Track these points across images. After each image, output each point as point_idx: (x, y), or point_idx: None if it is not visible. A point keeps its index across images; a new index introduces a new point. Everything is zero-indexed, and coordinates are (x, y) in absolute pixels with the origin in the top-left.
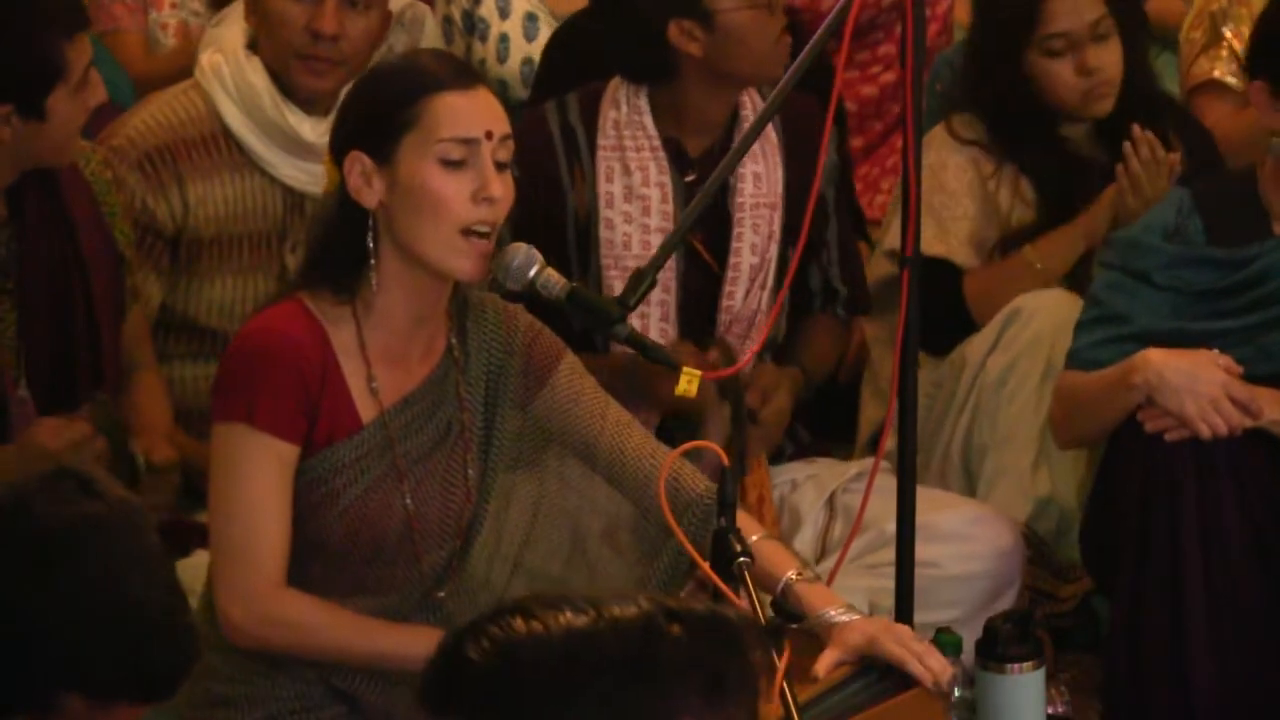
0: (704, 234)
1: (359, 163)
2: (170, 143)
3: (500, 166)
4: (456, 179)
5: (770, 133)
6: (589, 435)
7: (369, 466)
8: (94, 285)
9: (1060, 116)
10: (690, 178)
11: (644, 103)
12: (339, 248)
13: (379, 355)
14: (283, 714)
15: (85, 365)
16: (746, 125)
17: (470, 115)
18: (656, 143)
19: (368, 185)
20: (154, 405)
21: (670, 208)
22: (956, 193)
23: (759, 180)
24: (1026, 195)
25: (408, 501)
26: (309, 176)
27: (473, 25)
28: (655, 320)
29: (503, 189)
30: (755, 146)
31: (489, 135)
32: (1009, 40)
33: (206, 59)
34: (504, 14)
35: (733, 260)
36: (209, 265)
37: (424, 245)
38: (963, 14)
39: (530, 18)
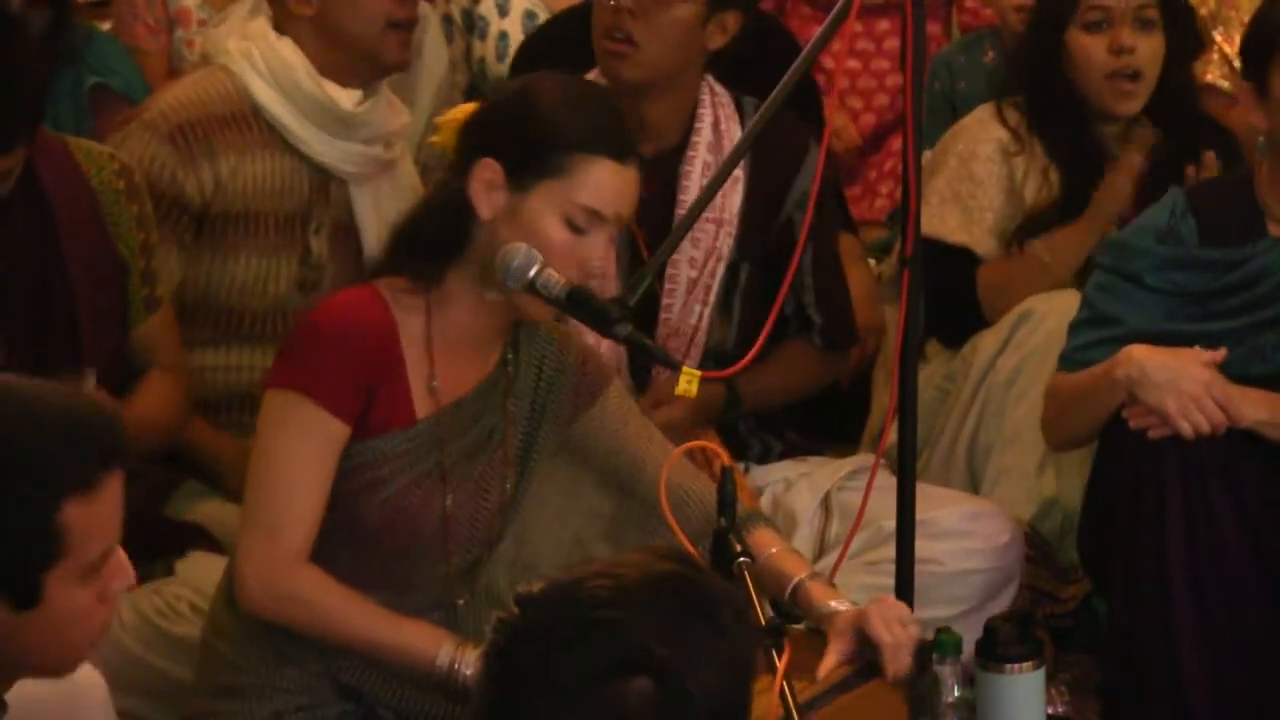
0: (651, 242)
1: (490, 171)
2: (202, 117)
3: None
4: (572, 241)
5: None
6: (636, 456)
7: (416, 461)
8: (76, 296)
9: (1090, 113)
10: None
11: None
12: (436, 235)
13: (442, 353)
14: (288, 710)
15: (65, 375)
16: (703, 129)
17: (613, 193)
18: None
19: (489, 195)
20: (144, 400)
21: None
22: (984, 183)
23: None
24: (1054, 186)
25: (448, 502)
26: (339, 154)
27: (472, 24)
28: None
29: (605, 262)
30: (710, 159)
31: (618, 217)
32: (1056, 12)
33: (234, 44)
34: (503, 12)
35: (669, 271)
36: (234, 241)
37: (518, 299)
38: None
39: (529, 15)
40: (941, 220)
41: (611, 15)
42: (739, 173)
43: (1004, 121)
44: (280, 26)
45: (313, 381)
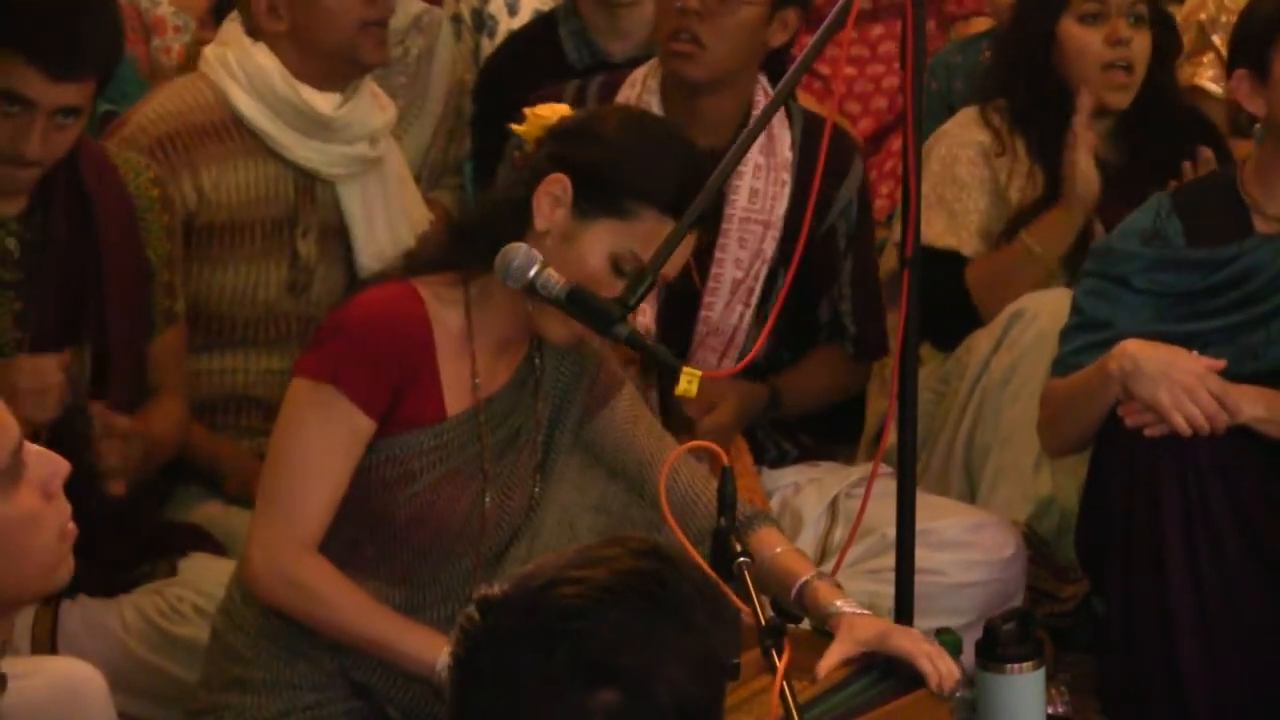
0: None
1: (560, 188)
2: (181, 129)
3: None
4: (610, 279)
5: (785, 150)
6: (645, 457)
7: (448, 456)
8: (108, 297)
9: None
10: None
11: (655, 84)
12: (489, 230)
13: (481, 349)
14: (298, 708)
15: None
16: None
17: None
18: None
19: (551, 209)
20: (155, 424)
21: None
22: (968, 186)
23: (755, 196)
24: (1039, 187)
25: (486, 500)
26: (323, 157)
27: (482, 23)
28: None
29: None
30: (762, 162)
31: (663, 275)
32: (1048, 2)
33: (210, 51)
34: (513, 11)
35: (714, 271)
36: (221, 251)
37: (540, 317)
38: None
39: (539, 15)
40: (928, 224)
41: (678, 17)
42: (787, 178)
43: (987, 124)
44: (254, 33)
45: (341, 374)
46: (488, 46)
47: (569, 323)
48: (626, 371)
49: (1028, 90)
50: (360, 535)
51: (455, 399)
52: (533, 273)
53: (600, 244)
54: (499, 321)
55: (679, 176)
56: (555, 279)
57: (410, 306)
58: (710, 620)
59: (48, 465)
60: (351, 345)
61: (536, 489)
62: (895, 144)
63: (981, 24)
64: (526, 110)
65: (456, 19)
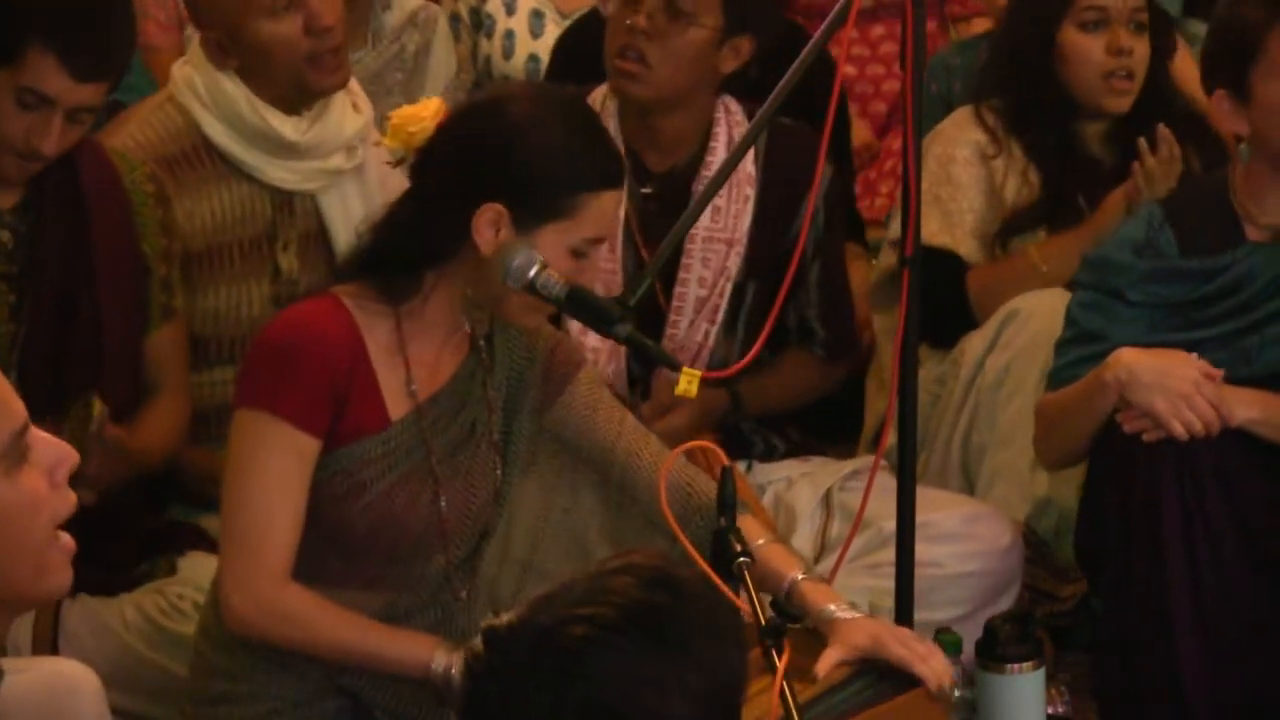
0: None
1: (495, 214)
2: (151, 161)
3: None
4: (575, 267)
5: (747, 165)
6: (606, 442)
7: (397, 463)
8: (102, 291)
9: (1077, 111)
10: (647, 190)
11: (614, 107)
12: (415, 258)
13: (415, 354)
14: (286, 708)
15: (82, 369)
16: (718, 148)
17: (612, 216)
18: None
19: (494, 234)
20: (151, 426)
21: (622, 212)
22: (964, 185)
23: (718, 214)
24: (1034, 187)
25: (442, 503)
26: (296, 176)
27: (479, 22)
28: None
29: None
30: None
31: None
32: (1047, 9)
33: (178, 71)
34: (510, 11)
35: (678, 290)
36: (201, 277)
37: (508, 308)
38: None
39: (536, 15)
40: (923, 224)
41: (626, 34)
42: (750, 192)
43: (982, 124)
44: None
45: (278, 399)
46: (485, 46)
47: (538, 307)
48: None
49: (1025, 93)
50: (323, 550)
51: (397, 404)
52: (533, 273)
53: (555, 246)
54: (434, 333)
55: (598, 152)
56: (555, 279)
57: (335, 317)
58: (718, 651)
59: (55, 452)
60: (281, 366)
61: (501, 482)
62: (896, 144)
63: (983, 24)
64: (394, 120)
65: (454, 18)
